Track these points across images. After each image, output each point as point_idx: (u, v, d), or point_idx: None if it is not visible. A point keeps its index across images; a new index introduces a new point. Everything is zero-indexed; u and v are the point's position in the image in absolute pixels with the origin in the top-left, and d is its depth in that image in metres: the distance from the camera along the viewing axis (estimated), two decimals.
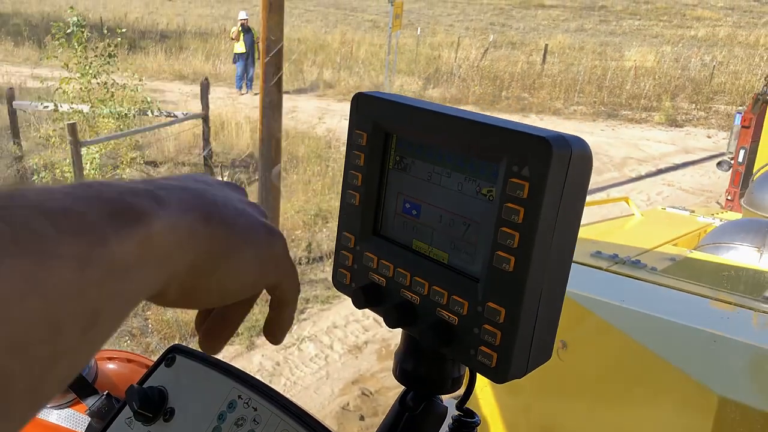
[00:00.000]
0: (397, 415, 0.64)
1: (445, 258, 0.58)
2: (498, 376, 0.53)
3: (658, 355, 1.45)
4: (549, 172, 0.48)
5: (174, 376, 0.68)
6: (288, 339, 5.25)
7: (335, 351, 5.17)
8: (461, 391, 0.65)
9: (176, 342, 5.33)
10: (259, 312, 5.74)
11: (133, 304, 0.33)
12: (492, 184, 0.53)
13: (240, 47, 14.15)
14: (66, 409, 1.09)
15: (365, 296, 0.62)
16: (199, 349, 0.50)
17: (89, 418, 0.96)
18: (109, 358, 1.44)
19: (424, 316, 0.58)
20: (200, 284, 0.39)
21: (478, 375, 0.61)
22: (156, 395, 0.65)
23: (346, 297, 0.65)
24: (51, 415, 1.08)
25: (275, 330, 0.50)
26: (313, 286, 6.36)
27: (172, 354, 0.70)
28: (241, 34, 14.05)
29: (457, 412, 0.66)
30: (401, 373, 0.62)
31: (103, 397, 0.96)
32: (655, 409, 1.49)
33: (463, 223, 0.56)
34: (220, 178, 0.46)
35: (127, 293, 0.32)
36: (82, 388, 1.01)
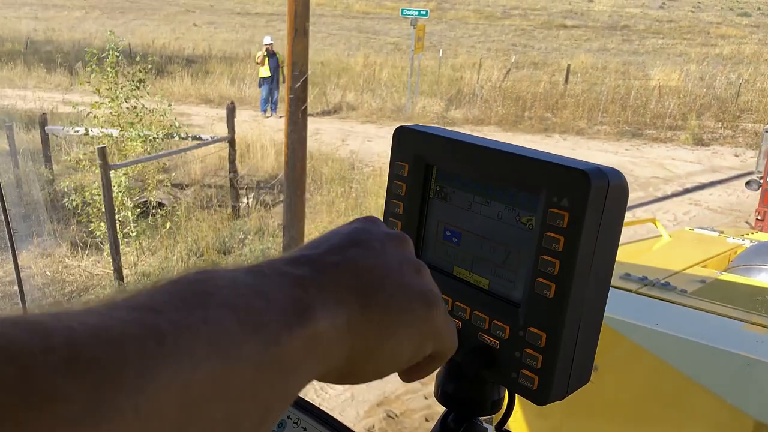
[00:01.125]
0: None
1: (485, 284, 0.60)
2: (539, 399, 0.55)
3: (691, 378, 1.44)
4: (588, 203, 0.50)
5: None
6: None
7: None
8: (500, 413, 0.67)
9: None
10: None
11: (296, 396, 0.37)
12: (532, 214, 0.55)
13: (265, 71, 14.39)
14: None
15: None
16: None
17: None
18: None
19: (466, 340, 0.60)
20: (356, 369, 0.41)
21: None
22: None
23: None
24: None
25: (414, 376, 0.48)
26: None
27: None
28: (266, 58, 14.29)
29: None
30: (443, 394, 0.64)
31: None
32: None
33: (503, 250, 0.58)
34: (384, 228, 0.47)
35: (292, 388, 0.35)
36: None
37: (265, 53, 14.30)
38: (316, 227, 8.02)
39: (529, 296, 0.54)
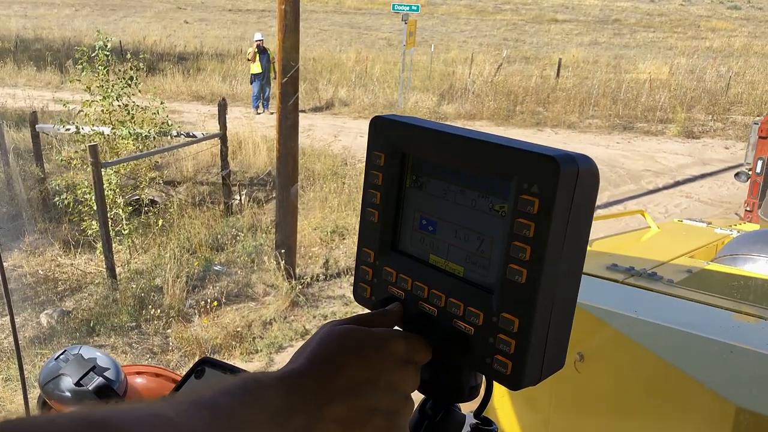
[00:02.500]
0: (417, 423, 0.66)
1: (460, 271, 0.61)
2: (513, 384, 0.56)
3: (675, 366, 1.45)
4: (557, 189, 0.51)
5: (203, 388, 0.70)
6: None
7: None
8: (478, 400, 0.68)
9: (197, 358, 5.36)
10: (278, 329, 5.77)
11: None
12: (504, 201, 0.56)
13: (256, 68, 14.33)
14: None
15: None
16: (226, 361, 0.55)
17: None
18: (138, 373, 1.48)
19: (442, 327, 0.60)
20: None
21: (496, 387, 0.63)
22: None
23: (365, 311, 0.68)
24: None
25: None
26: (331, 302, 6.39)
27: (201, 366, 0.73)
28: (257, 55, 14.24)
29: (474, 421, 0.68)
30: (420, 382, 0.65)
31: None
32: (673, 420, 1.49)
33: (477, 238, 0.59)
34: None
35: None
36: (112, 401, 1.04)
37: (256, 50, 14.25)
38: (308, 223, 8.01)
39: (502, 282, 0.55)
